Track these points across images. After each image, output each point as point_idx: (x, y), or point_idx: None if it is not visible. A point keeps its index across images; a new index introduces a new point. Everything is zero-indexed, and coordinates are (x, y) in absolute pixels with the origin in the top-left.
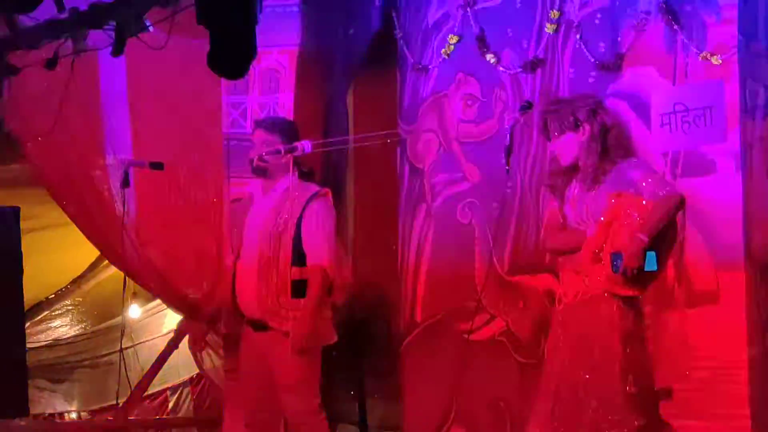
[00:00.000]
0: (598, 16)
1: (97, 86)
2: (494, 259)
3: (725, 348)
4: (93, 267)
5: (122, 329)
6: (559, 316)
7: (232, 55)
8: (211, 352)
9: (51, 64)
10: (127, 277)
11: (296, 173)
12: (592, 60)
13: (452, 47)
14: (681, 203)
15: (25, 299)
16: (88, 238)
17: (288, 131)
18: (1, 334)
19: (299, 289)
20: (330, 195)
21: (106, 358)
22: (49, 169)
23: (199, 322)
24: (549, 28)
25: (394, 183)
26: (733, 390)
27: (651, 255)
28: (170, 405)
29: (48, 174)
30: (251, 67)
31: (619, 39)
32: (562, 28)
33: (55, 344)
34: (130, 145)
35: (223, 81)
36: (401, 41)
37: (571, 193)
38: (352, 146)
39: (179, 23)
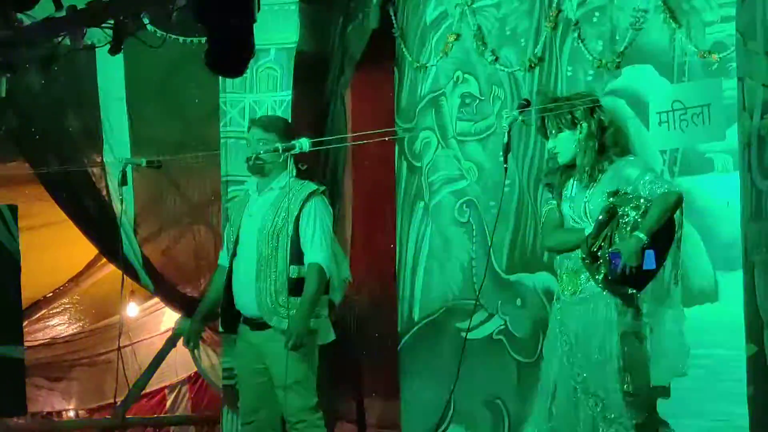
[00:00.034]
0: (596, 14)
1: (95, 84)
2: (492, 258)
3: (723, 346)
4: (91, 265)
5: (120, 327)
6: (557, 314)
7: (230, 54)
8: (209, 350)
9: (49, 62)
10: (124, 276)
11: (294, 171)
12: (590, 58)
13: (450, 45)
14: (679, 201)
15: (22, 297)
16: (86, 236)
17: (284, 130)
18: None
19: (297, 287)
20: (327, 193)
21: (103, 357)
22: (47, 166)
23: (195, 321)
24: (547, 26)
25: (391, 181)
26: (731, 388)
27: (650, 253)
28: (168, 403)
29: (46, 172)
30: (249, 65)
31: (617, 37)
32: (561, 27)
33: (53, 342)
34: (128, 144)
35: (221, 79)
36: (399, 39)
37: (569, 192)
38: (350, 144)
39: (177, 22)
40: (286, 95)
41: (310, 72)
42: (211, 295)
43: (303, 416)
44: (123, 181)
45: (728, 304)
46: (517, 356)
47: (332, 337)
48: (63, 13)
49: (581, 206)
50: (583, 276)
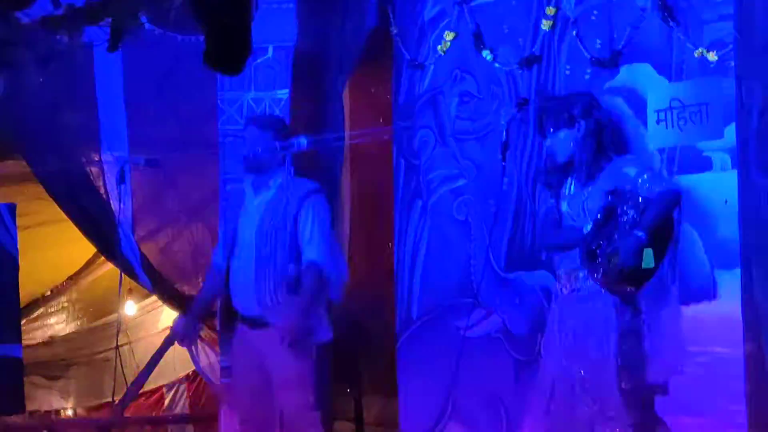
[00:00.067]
0: (594, 12)
1: (93, 83)
2: (490, 256)
3: (721, 344)
4: (89, 264)
5: (118, 326)
6: (556, 313)
7: (228, 52)
8: (207, 349)
9: (47, 60)
10: (122, 274)
11: (292, 170)
12: (588, 56)
13: (448, 44)
14: (678, 200)
15: (21, 296)
16: (84, 234)
17: (280, 128)
18: None
19: (296, 285)
20: (325, 192)
21: (102, 355)
22: (45, 165)
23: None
24: (545, 25)
25: (389, 179)
26: (729, 386)
27: (648, 252)
28: (166, 402)
29: (44, 170)
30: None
31: (615, 35)
32: (558, 25)
33: (51, 341)
34: (126, 142)
35: (219, 78)
36: (397, 38)
37: (568, 190)
38: (348, 142)
39: (175, 20)
40: (284, 94)
41: (308, 70)
42: (204, 294)
43: (301, 415)
44: (121, 180)
45: (726, 302)
46: (516, 354)
47: (330, 335)
48: (61, 12)
49: (580, 205)
50: (581, 274)
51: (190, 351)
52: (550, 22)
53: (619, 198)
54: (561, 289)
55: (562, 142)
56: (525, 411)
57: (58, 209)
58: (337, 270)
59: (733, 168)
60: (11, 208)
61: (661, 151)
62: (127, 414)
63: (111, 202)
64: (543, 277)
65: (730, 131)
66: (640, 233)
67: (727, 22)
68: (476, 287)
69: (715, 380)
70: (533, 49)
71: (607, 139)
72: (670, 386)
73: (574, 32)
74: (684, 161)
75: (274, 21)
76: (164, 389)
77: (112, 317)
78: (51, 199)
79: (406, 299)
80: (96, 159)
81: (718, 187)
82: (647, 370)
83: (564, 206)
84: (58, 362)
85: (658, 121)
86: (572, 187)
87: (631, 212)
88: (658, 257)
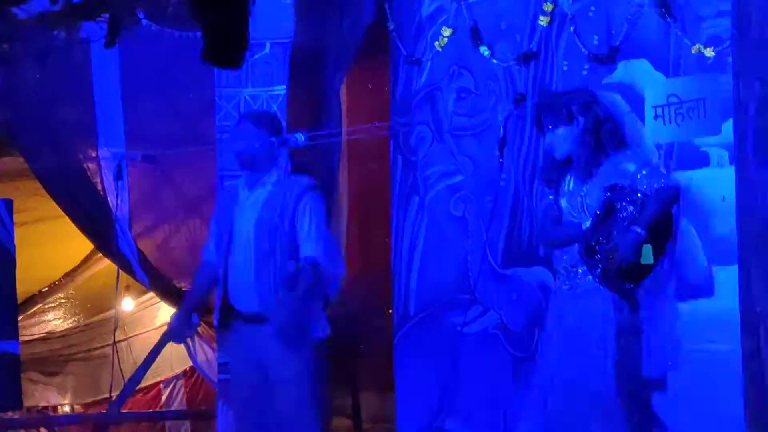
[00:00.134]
0: (592, 8)
1: (90, 79)
2: (488, 252)
3: (718, 341)
4: (86, 260)
5: (115, 322)
6: (554, 309)
7: (225, 48)
8: (204, 345)
9: (44, 56)
10: (120, 271)
11: (289, 166)
12: (586, 52)
13: (446, 40)
14: (676, 196)
15: (18, 292)
16: (81, 230)
17: (275, 125)
18: None
19: (293, 282)
20: (322, 188)
21: (99, 351)
22: (42, 161)
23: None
24: (542, 21)
25: (387, 176)
26: (726, 383)
27: (647, 248)
28: (163, 398)
29: (41, 166)
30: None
31: (612, 31)
32: (556, 21)
33: (49, 337)
34: (123, 138)
35: (216, 74)
36: (394, 34)
37: (567, 187)
38: (345, 139)
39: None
40: (282, 90)
41: (306, 66)
42: (195, 290)
43: (298, 411)
44: (118, 176)
45: (723, 299)
46: (513, 351)
47: (327, 331)
48: (58, 8)
49: (578, 201)
50: (580, 270)
51: (187, 347)
52: (547, 18)
53: (617, 194)
54: (559, 286)
55: (561, 138)
56: (522, 408)
57: (55, 205)
58: (334, 266)
59: (730, 164)
60: (8, 205)
61: (658, 147)
62: (124, 410)
63: (108, 198)
64: (541, 274)
65: (728, 127)
66: (639, 229)
67: (725, 18)
68: (473, 284)
69: (712, 377)
70: (531, 45)
71: (606, 136)
72: (668, 383)
73: (571, 28)
74: (682, 157)
75: (272, 17)
76: (161, 385)
77: (110, 313)
78: (48, 195)
79: (404, 295)
80: (93, 155)
81: (715, 183)
82: (644, 366)
83: (563, 202)
84: (55, 358)
85: (655, 117)
86: (571, 183)
87: (630, 208)
88: (657, 253)
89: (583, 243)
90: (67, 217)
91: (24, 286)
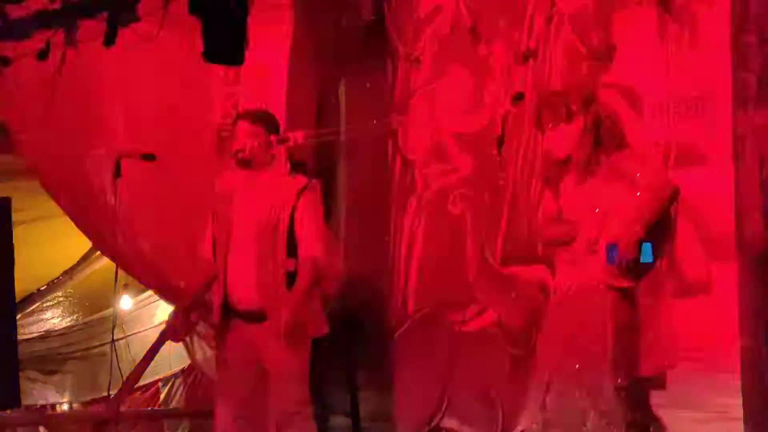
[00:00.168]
0: (591, 6)
1: (89, 77)
2: (486, 250)
3: (717, 338)
4: (84, 258)
5: (114, 320)
6: (553, 307)
7: (224, 46)
8: (203, 343)
9: (42, 54)
10: (118, 269)
11: (288, 164)
12: (584, 50)
13: (445, 38)
14: (675, 194)
15: (16, 291)
16: (80, 229)
17: (272, 123)
18: None
19: (292, 280)
20: (321, 187)
21: (97, 350)
22: (41, 160)
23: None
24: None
25: (385, 174)
26: (725, 380)
27: (646, 246)
28: (162, 396)
29: (40, 165)
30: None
31: (611, 29)
32: (554, 19)
33: (47, 336)
34: (122, 136)
35: (215, 72)
36: (393, 32)
37: (566, 185)
38: (344, 137)
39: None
40: (280, 88)
41: (304, 65)
42: (194, 289)
43: (296, 409)
44: (117, 174)
45: (722, 296)
46: (511, 349)
47: (326, 329)
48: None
49: (578, 199)
50: (579, 269)
51: (186, 345)
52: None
53: (617, 192)
54: (559, 284)
55: (561, 137)
56: (520, 405)
57: (54, 204)
58: (333, 264)
59: (729, 162)
60: (7, 203)
61: (657, 144)
62: (122, 408)
63: (107, 196)
64: (539, 272)
65: (726, 125)
66: (638, 228)
67: (723, 15)
68: (472, 281)
69: (710, 374)
70: (529, 44)
71: (605, 134)
72: (666, 380)
73: (570, 26)
74: (680, 155)
75: (271, 15)
76: (160, 384)
77: (108, 312)
78: (47, 193)
79: (402, 294)
80: (92, 153)
81: (713, 181)
82: (643, 363)
83: (563, 201)
84: (54, 357)
85: (654, 115)
86: (571, 181)
87: (630, 206)
88: (657, 252)
89: (582, 241)
90: (65, 216)
91: (22, 285)
